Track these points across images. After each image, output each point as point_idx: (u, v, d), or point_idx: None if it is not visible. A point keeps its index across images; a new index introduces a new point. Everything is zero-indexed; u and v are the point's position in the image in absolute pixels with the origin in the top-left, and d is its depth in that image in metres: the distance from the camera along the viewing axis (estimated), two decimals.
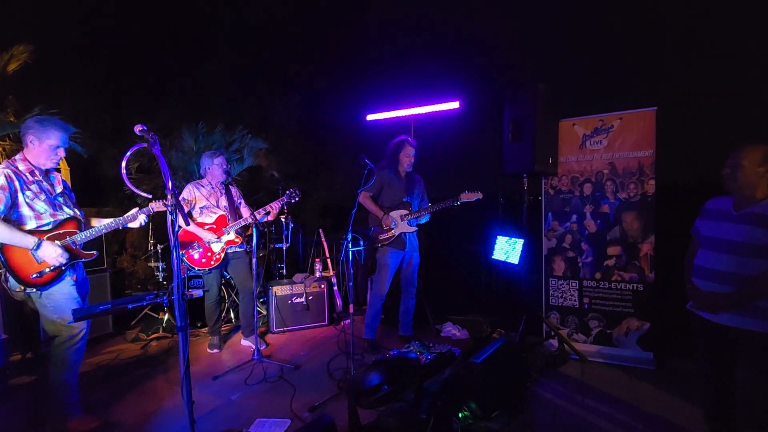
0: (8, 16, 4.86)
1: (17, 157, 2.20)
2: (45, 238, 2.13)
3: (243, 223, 3.32)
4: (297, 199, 3.31)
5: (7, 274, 2.10)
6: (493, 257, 3.70)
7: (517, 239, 3.45)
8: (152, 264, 4.17)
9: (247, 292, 3.41)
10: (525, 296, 3.42)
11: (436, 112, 5.04)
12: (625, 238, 3.17)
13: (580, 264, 3.33)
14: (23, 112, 3.92)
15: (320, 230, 5.06)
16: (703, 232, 1.99)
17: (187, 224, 3.11)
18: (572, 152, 3.35)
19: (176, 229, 1.65)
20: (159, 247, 4.07)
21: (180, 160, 4.87)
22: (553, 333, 3.33)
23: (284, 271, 4.71)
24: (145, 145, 1.72)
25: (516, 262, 3.39)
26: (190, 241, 3.27)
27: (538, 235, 3.49)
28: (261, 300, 4.33)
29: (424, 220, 3.44)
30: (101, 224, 2.37)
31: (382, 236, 3.37)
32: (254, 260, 3.18)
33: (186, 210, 3.24)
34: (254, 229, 3.19)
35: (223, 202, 3.39)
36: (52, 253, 2.12)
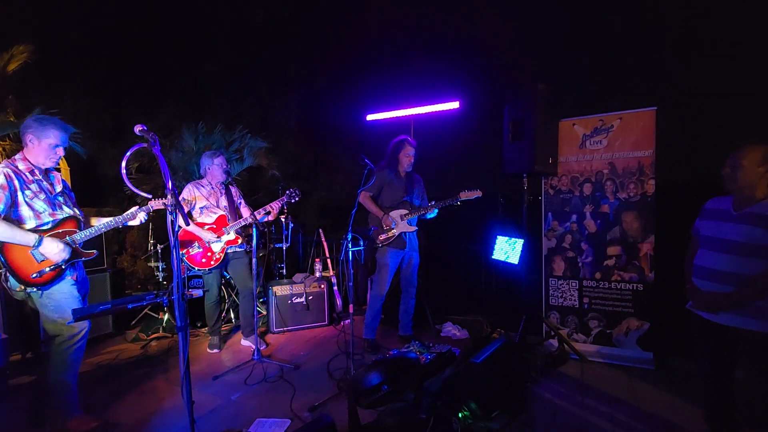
0: (8, 16, 4.86)
1: (17, 156, 2.20)
2: (46, 236, 2.13)
3: (243, 223, 3.32)
4: (297, 199, 3.31)
5: (7, 274, 2.10)
6: (493, 257, 3.70)
7: (517, 239, 3.45)
8: (152, 264, 4.17)
9: (247, 292, 3.41)
10: (525, 296, 3.42)
11: (436, 112, 5.04)
12: (625, 238, 3.17)
13: (580, 264, 3.33)
14: (23, 112, 3.92)
15: (320, 230, 5.06)
16: (702, 232, 1.99)
17: (187, 224, 3.10)
18: (572, 152, 3.35)
19: (176, 229, 1.65)
20: (159, 247, 4.07)
21: (180, 160, 4.87)
22: (553, 333, 3.33)
23: (284, 271, 4.71)
24: (145, 145, 1.72)
25: (516, 262, 3.40)
26: (190, 240, 3.27)
27: (538, 235, 3.49)
28: (261, 300, 4.33)
29: (431, 215, 3.42)
30: (101, 223, 2.37)
31: (382, 236, 3.37)
32: (254, 260, 3.18)
33: (186, 210, 3.24)
34: (254, 229, 3.19)
35: (223, 202, 3.39)
36: (54, 250, 2.12)
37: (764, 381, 1.76)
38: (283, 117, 7.55)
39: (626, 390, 2.73)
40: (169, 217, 1.70)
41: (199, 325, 4.01)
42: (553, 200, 3.44)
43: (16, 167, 2.14)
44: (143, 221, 2.53)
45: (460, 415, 2.21)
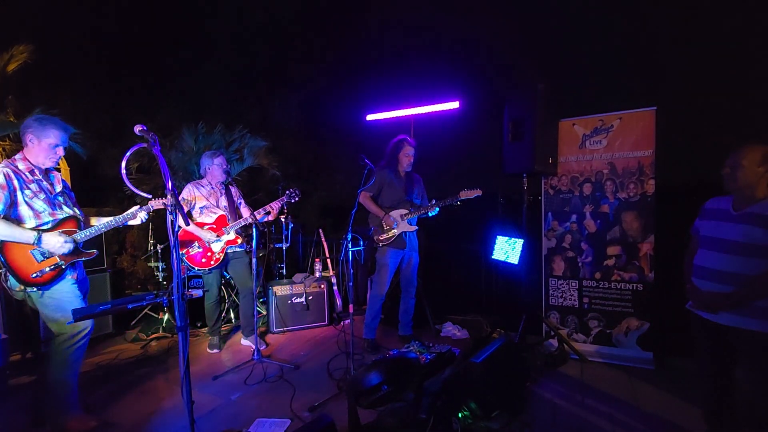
0: (8, 16, 4.86)
1: (17, 156, 2.20)
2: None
3: (243, 223, 3.32)
4: (297, 199, 3.31)
5: (7, 274, 2.10)
6: (493, 257, 3.70)
7: (516, 239, 3.45)
8: (152, 264, 4.17)
9: (247, 291, 3.41)
10: (525, 296, 3.42)
11: (436, 112, 5.05)
12: (624, 237, 3.17)
13: (580, 264, 3.33)
14: (23, 112, 3.92)
15: (320, 230, 5.06)
16: (702, 231, 1.99)
17: (187, 224, 3.11)
18: (572, 152, 3.35)
19: (176, 229, 1.65)
20: (159, 247, 4.07)
21: (180, 160, 4.87)
22: (552, 333, 3.33)
23: (284, 271, 4.71)
24: (145, 145, 1.72)
25: (516, 262, 3.40)
26: (190, 240, 3.27)
27: (537, 235, 3.49)
28: (261, 300, 4.33)
29: (431, 214, 3.41)
30: (101, 223, 2.38)
31: (383, 236, 3.37)
32: (254, 260, 3.18)
33: (186, 210, 3.24)
34: (254, 229, 3.19)
35: (223, 202, 3.39)
36: (55, 243, 2.12)
37: (764, 381, 1.76)
38: (283, 117, 7.55)
39: (626, 390, 2.73)
40: (169, 217, 1.70)
41: (199, 325, 4.01)
42: (553, 200, 3.44)
43: (16, 167, 2.15)
44: (143, 221, 2.53)
45: (460, 415, 2.21)
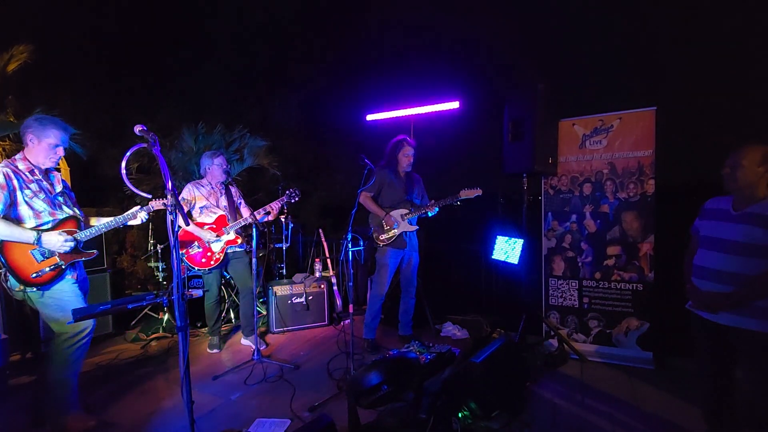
0: (8, 16, 4.86)
1: (17, 156, 2.21)
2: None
3: (243, 223, 3.32)
4: (297, 198, 3.31)
5: (7, 274, 2.10)
6: (493, 257, 3.70)
7: (516, 239, 3.45)
8: (152, 264, 4.17)
9: (247, 291, 3.41)
10: (525, 296, 3.42)
11: (436, 112, 5.04)
12: (624, 237, 3.17)
13: (580, 264, 3.33)
14: (23, 112, 3.92)
15: (320, 230, 5.06)
16: (702, 231, 1.99)
17: (187, 224, 3.11)
18: (572, 152, 3.35)
19: (176, 229, 1.65)
20: (159, 247, 4.07)
21: (180, 160, 4.87)
22: (552, 333, 3.33)
23: (284, 271, 4.71)
24: (145, 145, 1.72)
25: (516, 262, 3.40)
26: (190, 240, 3.27)
27: (537, 235, 3.49)
28: (261, 300, 4.33)
29: (431, 213, 3.40)
30: (101, 223, 2.38)
31: (383, 236, 3.37)
32: (254, 260, 3.18)
33: (186, 210, 3.24)
34: (254, 229, 3.19)
35: (223, 201, 3.39)
36: (56, 242, 2.13)
37: (764, 381, 1.76)
38: (283, 117, 7.56)
39: (626, 390, 2.73)
40: (169, 217, 1.70)
41: (199, 325, 4.01)
42: (553, 200, 3.44)
43: (16, 167, 2.15)
44: (143, 221, 2.53)
45: (459, 414, 2.21)
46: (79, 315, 1.68)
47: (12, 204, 2.09)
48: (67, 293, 2.20)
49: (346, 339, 3.09)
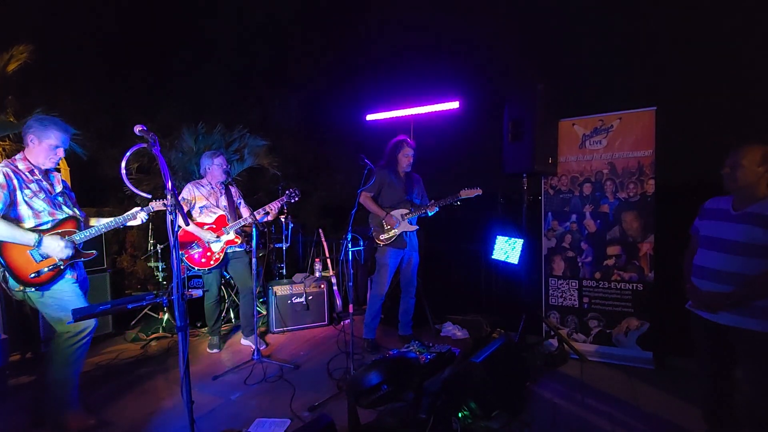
0: (8, 16, 4.86)
1: (17, 156, 2.21)
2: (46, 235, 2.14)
3: (242, 223, 3.32)
4: (296, 198, 3.31)
5: (7, 274, 2.10)
6: (492, 257, 3.70)
7: (516, 239, 3.45)
8: (152, 264, 4.17)
9: (247, 291, 3.41)
10: (525, 296, 3.42)
11: (436, 112, 5.04)
12: (624, 237, 3.17)
13: (580, 264, 3.33)
14: (23, 112, 3.92)
15: (320, 230, 5.06)
16: (702, 231, 1.99)
17: (187, 224, 3.11)
18: (572, 152, 3.35)
19: (176, 229, 1.65)
20: (159, 247, 4.07)
21: (180, 160, 4.87)
22: (552, 333, 3.33)
23: (284, 271, 4.71)
24: (145, 145, 1.72)
25: (516, 262, 3.40)
26: (190, 241, 3.27)
27: (537, 235, 3.49)
28: (261, 300, 4.33)
29: (432, 212, 3.40)
30: (101, 223, 2.38)
31: (383, 236, 3.37)
32: (254, 260, 3.18)
33: (185, 210, 3.24)
34: (254, 229, 3.19)
35: (223, 201, 3.39)
36: (56, 247, 2.13)
37: (764, 381, 1.76)
38: (283, 117, 7.56)
39: (626, 390, 2.73)
40: (169, 217, 1.70)
41: (198, 325, 4.01)
42: (553, 200, 3.44)
43: (16, 167, 2.15)
44: (143, 221, 2.54)
45: (459, 414, 2.21)
46: (79, 315, 1.68)
47: (12, 204, 2.09)
48: (67, 293, 2.21)
49: (346, 339, 3.09)
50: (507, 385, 2.35)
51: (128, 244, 5.16)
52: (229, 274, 3.55)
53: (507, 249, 3.55)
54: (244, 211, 3.44)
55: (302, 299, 4.00)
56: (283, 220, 4.51)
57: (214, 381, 2.90)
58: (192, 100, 6.20)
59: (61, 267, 2.18)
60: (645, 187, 3.09)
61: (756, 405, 1.79)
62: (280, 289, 3.94)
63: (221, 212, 3.34)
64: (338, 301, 4.48)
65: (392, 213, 3.34)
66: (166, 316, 3.94)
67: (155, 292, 4.30)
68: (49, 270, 2.13)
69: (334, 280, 4.52)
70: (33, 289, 2.12)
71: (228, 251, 3.36)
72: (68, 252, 2.16)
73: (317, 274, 4.34)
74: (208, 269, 3.30)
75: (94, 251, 2.35)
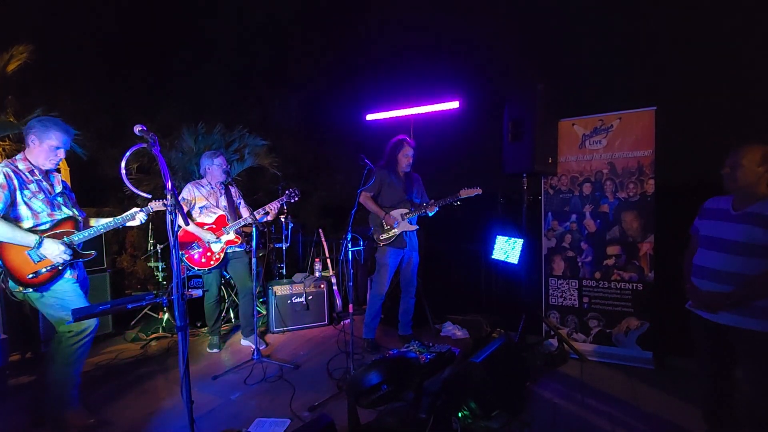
0: (8, 16, 4.86)
1: (18, 156, 2.22)
2: (46, 236, 2.14)
3: (242, 223, 3.32)
4: (296, 198, 3.31)
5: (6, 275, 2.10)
6: (492, 257, 3.70)
7: (516, 239, 3.45)
8: (152, 264, 4.17)
9: (247, 291, 3.41)
10: (524, 296, 3.42)
11: (436, 111, 5.05)
12: (624, 237, 3.17)
13: (580, 263, 3.33)
14: (23, 113, 3.92)
15: (320, 230, 5.06)
16: (702, 231, 1.99)
17: (187, 224, 3.12)
18: (572, 152, 3.35)
19: (176, 229, 1.65)
20: (159, 247, 4.07)
21: (180, 160, 4.87)
22: (552, 332, 3.33)
23: (284, 270, 4.71)
24: (145, 145, 1.72)
25: (516, 262, 3.40)
26: (190, 241, 3.27)
27: (537, 235, 3.49)
28: (261, 300, 4.33)
29: (432, 212, 3.39)
30: (99, 224, 2.38)
31: (383, 236, 3.37)
32: (254, 260, 3.18)
33: (185, 210, 3.24)
34: (254, 229, 3.19)
35: (223, 202, 3.39)
36: (54, 251, 2.13)
37: (764, 381, 1.76)
38: (283, 117, 7.55)
39: (626, 390, 2.73)
40: (169, 217, 1.70)
41: (198, 325, 4.01)
42: (553, 200, 3.44)
43: (16, 167, 2.16)
44: (142, 222, 2.54)
45: (459, 414, 2.21)
46: (78, 315, 1.68)
47: (12, 204, 2.09)
48: (68, 293, 2.21)
49: (346, 339, 3.09)
50: (507, 385, 2.35)
51: (128, 244, 5.17)
52: (228, 274, 3.55)
53: (507, 249, 3.55)
54: (244, 211, 3.44)
55: (302, 299, 4.00)
56: (283, 220, 4.51)
57: (214, 381, 2.90)
58: (192, 100, 6.20)
59: (59, 268, 2.18)
60: (645, 187, 3.09)
61: (756, 405, 1.79)
62: (280, 289, 3.94)
63: (221, 212, 3.34)
64: (338, 301, 4.48)
65: (392, 213, 3.34)
66: (166, 316, 3.94)
67: (155, 292, 4.30)
68: (47, 271, 2.13)
69: (334, 280, 4.52)
70: (31, 290, 2.12)
71: (228, 251, 3.36)
72: (66, 257, 2.16)
73: (317, 274, 4.34)
74: (208, 269, 3.30)
75: (93, 252, 2.35)
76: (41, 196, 2.19)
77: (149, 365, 3.22)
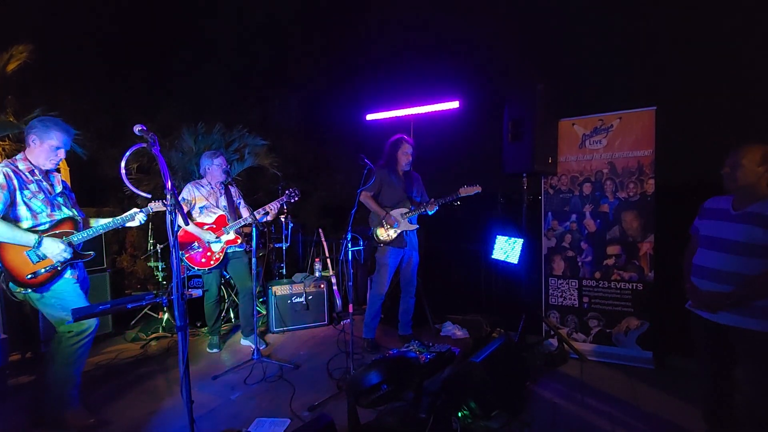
0: (8, 16, 4.86)
1: (18, 156, 2.22)
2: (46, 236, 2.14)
3: (242, 223, 3.32)
4: (296, 198, 3.31)
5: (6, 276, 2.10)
6: (492, 257, 3.70)
7: (516, 239, 3.45)
8: (152, 264, 4.17)
9: (247, 291, 3.41)
10: (524, 296, 3.42)
11: (435, 111, 5.04)
12: (624, 237, 3.17)
13: (580, 263, 3.33)
14: (23, 112, 3.92)
15: (320, 230, 5.06)
16: (702, 231, 1.99)
17: (187, 224, 3.11)
18: (572, 152, 3.35)
19: (176, 229, 1.65)
20: (159, 247, 4.07)
21: (180, 160, 4.87)
22: (552, 332, 3.33)
23: (284, 270, 4.71)
24: (145, 145, 1.72)
25: (515, 262, 3.40)
26: (190, 241, 3.27)
27: (537, 235, 3.49)
28: (261, 300, 4.33)
29: (432, 211, 3.40)
30: (99, 224, 2.38)
31: (383, 236, 3.37)
32: (254, 260, 3.18)
33: (185, 210, 3.24)
34: (254, 229, 3.19)
35: (223, 201, 3.39)
36: (55, 250, 2.13)
37: (764, 381, 1.76)
38: (283, 117, 7.56)
39: (626, 389, 2.73)
40: (169, 217, 1.70)
41: (198, 324, 4.01)
42: (553, 200, 3.44)
43: (16, 167, 2.16)
44: (142, 222, 2.53)
45: (459, 414, 2.21)
46: (78, 314, 1.68)
47: (11, 204, 2.09)
48: (69, 293, 2.21)
49: (346, 339, 3.09)
50: (507, 385, 2.35)
51: (128, 244, 5.17)
52: (228, 274, 3.55)
53: (507, 249, 3.55)
54: (244, 211, 3.44)
55: (302, 299, 4.00)
56: (282, 219, 4.51)
57: (214, 381, 2.90)
58: (192, 100, 6.20)
59: (59, 268, 2.18)
60: (645, 187, 3.09)
61: (756, 405, 1.79)
62: (280, 289, 3.94)
63: (221, 212, 3.34)
64: (338, 301, 4.48)
65: (392, 212, 3.34)
66: (165, 316, 3.94)
67: (155, 291, 4.30)
68: (46, 271, 2.13)
69: (333, 280, 4.52)
70: (29, 290, 2.12)
71: (228, 251, 3.36)
72: (67, 255, 2.16)
73: (317, 274, 4.34)
74: (208, 269, 3.30)
75: (92, 252, 2.35)
76: (41, 196, 2.19)
77: (149, 365, 3.21)
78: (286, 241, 4.61)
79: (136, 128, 1.68)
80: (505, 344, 2.53)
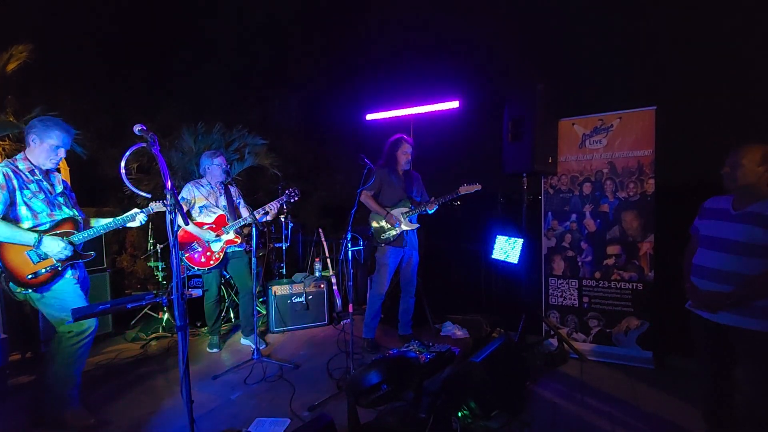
0: (8, 16, 4.86)
1: (18, 156, 2.22)
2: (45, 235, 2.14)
3: (242, 223, 3.32)
4: (296, 198, 3.31)
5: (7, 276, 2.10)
6: (492, 257, 3.70)
7: (516, 239, 3.45)
8: (152, 264, 4.17)
9: (247, 291, 3.41)
10: (524, 295, 3.42)
11: (435, 111, 5.04)
12: (624, 237, 3.17)
13: (580, 263, 3.33)
14: (23, 112, 3.92)
15: (320, 230, 5.06)
16: (702, 231, 1.99)
17: (186, 224, 3.11)
18: (572, 152, 3.35)
19: (176, 228, 1.65)
20: (159, 246, 4.07)
21: (179, 160, 4.87)
22: (552, 332, 3.33)
23: (284, 270, 4.71)
24: (145, 144, 1.72)
25: (515, 262, 3.40)
26: (190, 241, 3.27)
27: (537, 235, 3.49)
28: (261, 299, 4.33)
29: (432, 210, 3.39)
30: (99, 224, 2.38)
31: (383, 236, 3.37)
32: (254, 260, 3.18)
33: (185, 209, 3.24)
34: (253, 229, 3.19)
35: (223, 201, 3.39)
36: (55, 248, 2.13)
37: (764, 381, 1.76)
38: (283, 117, 7.56)
39: (626, 389, 2.73)
40: (169, 217, 1.70)
41: (198, 324, 4.01)
42: (553, 200, 3.44)
43: (16, 167, 2.16)
44: (142, 223, 2.53)
45: (459, 414, 2.21)
46: (78, 314, 1.68)
47: (11, 204, 2.09)
48: (69, 293, 2.21)
49: (346, 338, 3.09)
50: (507, 385, 2.35)
51: (128, 244, 5.17)
52: (228, 273, 3.55)
53: (507, 248, 3.55)
54: (244, 211, 3.44)
55: (302, 299, 4.00)
56: (282, 219, 4.51)
57: (214, 380, 2.90)
58: (192, 100, 6.19)
59: (59, 268, 2.18)
60: (645, 187, 3.09)
61: (756, 405, 1.79)
62: (280, 289, 3.94)
63: (221, 212, 3.34)
64: (338, 301, 4.48)
65: (393, 212, 3.34)
66: (166, 316, 3.94)
67: (155, 291, 4.30)
68: (46, 271, 2.13)
69: (333, 280, 4.52)
70: (30, 291, 2.12)
71: (228, 251, 3.36)
72: (67, 252, 2.16)
73: (317, 274, 4.34)
74: (208, 269, 3.30)
75: (92, 252, 2.35)
76: (41, 196, 2.19)
77: (149, 365, 3.21)
78: (286, 241, 4.61)
79: (136, 128, 1.68)
80: (505, 344, 2.53)
